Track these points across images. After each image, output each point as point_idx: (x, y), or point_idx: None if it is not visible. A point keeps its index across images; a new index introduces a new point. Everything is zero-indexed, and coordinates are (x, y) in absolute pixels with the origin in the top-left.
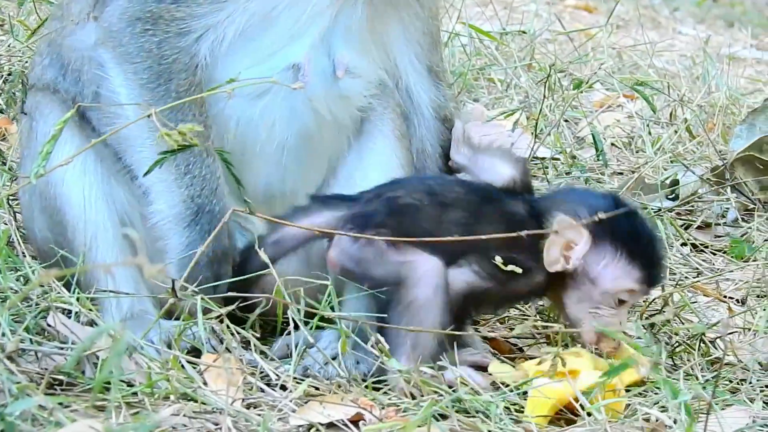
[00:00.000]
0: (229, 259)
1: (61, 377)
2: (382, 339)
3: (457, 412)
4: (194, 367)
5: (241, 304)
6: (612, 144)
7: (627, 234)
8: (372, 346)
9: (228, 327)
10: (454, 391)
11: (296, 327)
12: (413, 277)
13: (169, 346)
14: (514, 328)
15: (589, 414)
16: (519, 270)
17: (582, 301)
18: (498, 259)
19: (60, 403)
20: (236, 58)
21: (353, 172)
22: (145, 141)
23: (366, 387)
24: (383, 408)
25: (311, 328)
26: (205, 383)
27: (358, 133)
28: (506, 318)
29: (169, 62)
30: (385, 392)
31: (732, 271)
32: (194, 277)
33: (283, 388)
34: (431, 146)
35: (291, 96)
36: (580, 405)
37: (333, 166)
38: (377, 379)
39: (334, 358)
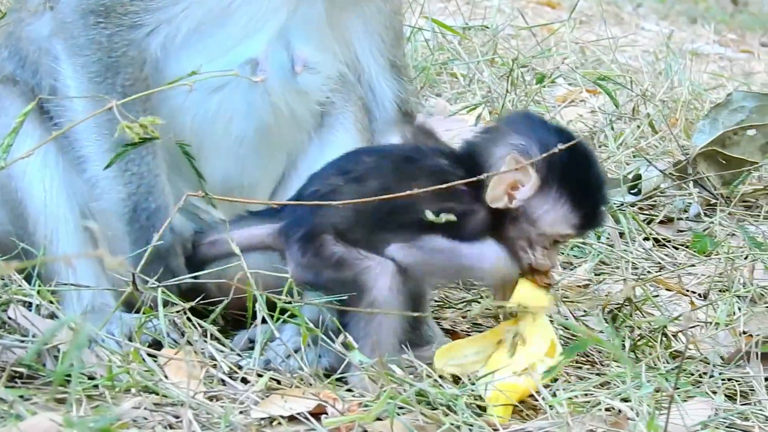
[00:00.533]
0: (177, 250)
1: (21, 370)
2: (346, 333)
3: (420, 404)
4: (155, 360)
5: (202, 301)
6: None
7: (575, 181)
8: (334, 340)
9: (189, 320)
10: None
11: (261, 320)
12: (369, 281)
13: (131, 339)
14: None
15: (551, 407)
16: (453, 218)
17: (517, 238)
18: (428, 214)
19: (21, 396)
20: (190, 53)
21: (314, 166)
22: (90, 135)
23: (329, 382)
24: (345, 402)
25: (275, 321)
26: (166, 376)
27: (320, 127)
28: (467, 311)
29: (118, 56)
30: (348, 389)
31: (694, 266)
32: (145, 273)
33: (245, 381)
34: (393, 141)
35: (249, 91)
36: (542, 398)
37: (293, 159)
38: (340, 375)
39: (296, 351)
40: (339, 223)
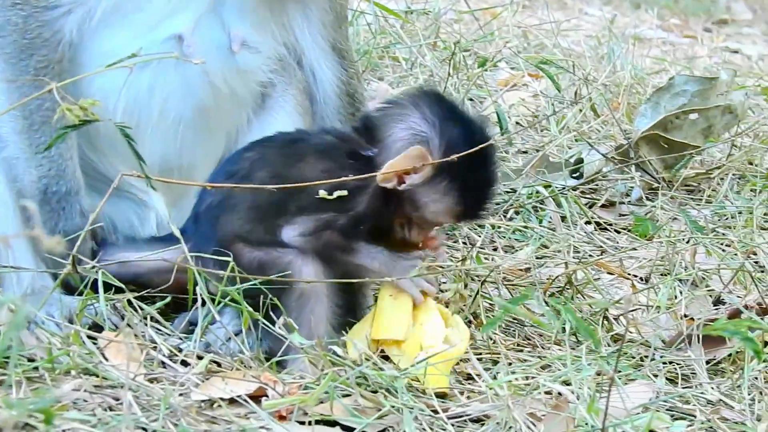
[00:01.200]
0: (86, 236)
1: None
2: (288, 318)
3: (360, 387)
4: (95, 343)
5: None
6: (517, 123)
7: (468, 177)
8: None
9: (130, 303)
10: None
11: (201, 303)
12: (294, 275)
13: (71, 322)
14: None
15: (491, 389)
16: (345, 192)
17: (397, 216)
18: (322, 193)
19: None
20: (111, 32)
21: None
22: (5, 116)
23: (270, 366)
24: (286, 384)
25: (215, 305)
26: (106, 359)
27: (260, 109)
28: None
29: (33, 36)
30: (288, 371)
31: (635, 249)
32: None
33: (185, 363)
34: (332, 124)
35: (184, 69)
36: (483, 381)
37: (233, 140)
38: (280, 358)
39: (236, 335)
40: (240, 229)
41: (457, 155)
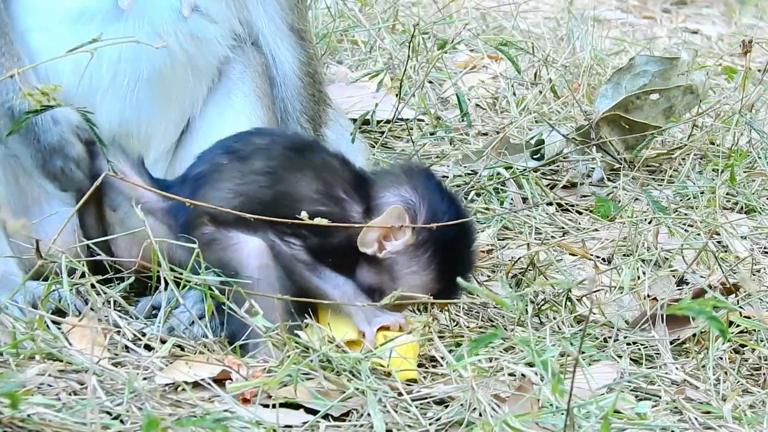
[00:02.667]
0: (71, 139)
1: None
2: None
3: (324, 370)
4: (59, 328)
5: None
6: (477, 105)
7: (448, 255)
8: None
9: (93, 287)
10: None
11: (165, 287)
12: (239, 260)
13: (35, 307)
14: None
15: (455, 371)
16: (325, 222)
17: (374, 284)
18: (303, 214)
19: None
20: None
21: (212, 130)
22: None
23: (233, 350)
24: (249, 368)
25: (180, 288)
26: (70, 343)
27: (219, 92)
28: None
29: None
30: (251, 355)
31: (597, 230)
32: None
33: (149, 348)
34: (292, 106)
35: (133, 30)
36: (446, 363)
37: (193, 117)
38: (245, 341)
39: (200, 319)
40: (218, 206)
41: (437, 225)
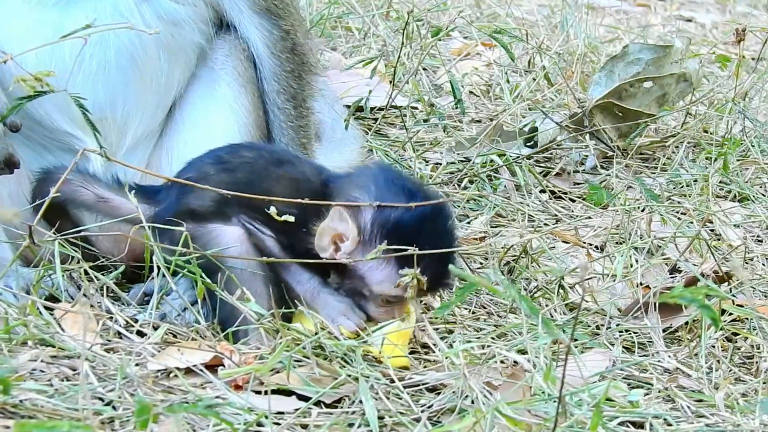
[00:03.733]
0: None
1: None
2: (244, 289)
3: (317, 357)
4: (51, 313)
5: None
6: (470, 92)
7: (402, 242)
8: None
9: (86, 273)
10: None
11: (157, 273)
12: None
13: (28, 293)
14: None
15: (447, 358)
16: (291, 219)
17: (354, 289)
18: (272, 210)
19: None
20: None
21: (197, 121)
22: None
23: (226, 336)
24: (242, 354)
25: (171, 275)
26: (62, 329)
27: (202, 81)
28: None
29: None
30: (244, 342)
31: (590, 218)
32: None
33: (141, 334)
34: (268, 85)
35: (95, 7)
36: (439, 350)
37: (175, 105)
38: (237, 328)
39: (192, 305)
40: (197, 208)
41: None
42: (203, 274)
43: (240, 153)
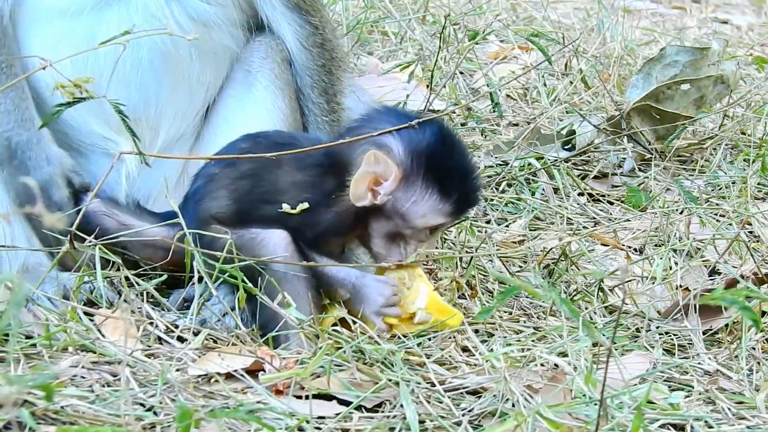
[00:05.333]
0: (59, 182)
1: None
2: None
3: (357, 361)
4: (91, 319)
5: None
6: (507, 95)
7: (439, 169)
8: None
9: (126, 278)
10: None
11: (200, 279)
12: (267, 254)
13: (66, 298)
14: None
15: (487, 361)
16: (306, 205)
17: (391, 233)
18: (285, 207)
19: None
20: None
21: (236, 124)
22: None
23: (266, 341)
24: (282, 359)
25: (213, 280)
26: (102, 335)
27: (239, 84)
28: None
29: None
30: (285, 347)
31: (629, 221)
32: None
33: (181, 339)
34: (301, 81)
35: (127, 11)
36: (479, 353)
37: (212, 109)
38: (277, 333)
39: (232, 310)
40: (218, 211)
41: (412, 124)
42: (246, 279)
43: (237, 146)
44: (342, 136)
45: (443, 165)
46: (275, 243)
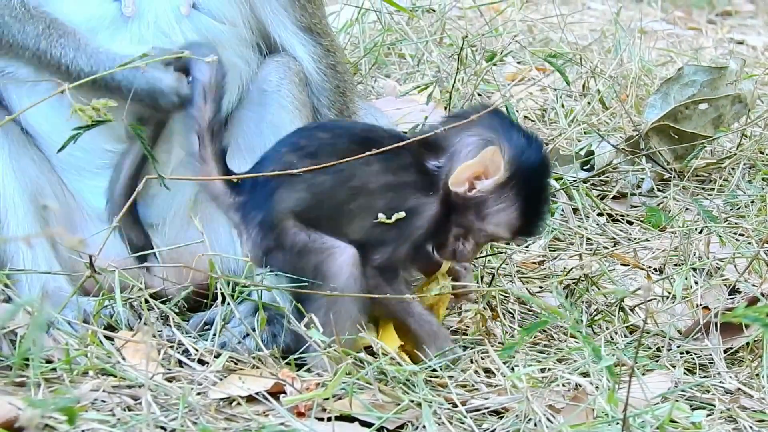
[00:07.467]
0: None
1: None
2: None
3: (379, 383)
4: (112, 343)
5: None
6: (525, 116)
7: (533, 189)
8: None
9: (146, 302)
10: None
11: (222, 301)
12: (332, 269)
13: (86, 322)
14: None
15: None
16: (403, 214)
17: (458, 227)
18: (381, 216)
19: None
20: None
21: (254, 145)
22: None
23: (287, 363)
24: (304, 381)
25: (235, 300)
26: (123, 358)
27: (255, 105)
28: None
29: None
30: (307, 369)
31: (648, 240)
32: None
33: (202, 362)
34: (318, 101)
35: (138, 33)
36: (501, 373)
37: (228, 129)
38: (299, 355)
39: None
40: (296, 207)
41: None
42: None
43: (316, 135)
44: (443, 122)
45: (536, 185)
46: (341, 261)
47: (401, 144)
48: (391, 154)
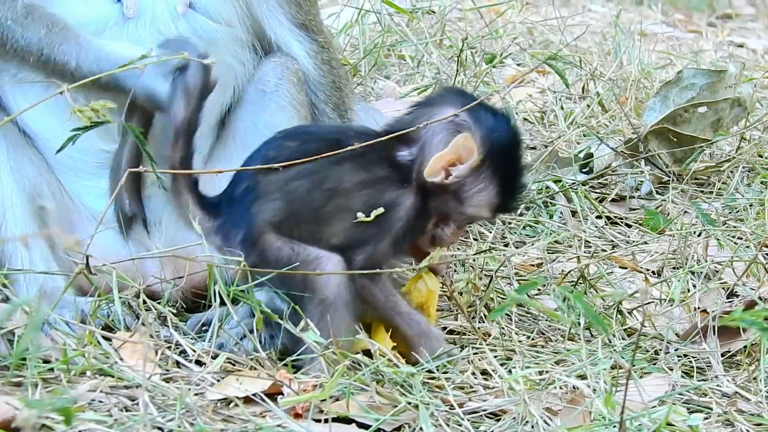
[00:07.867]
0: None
1: None
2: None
3: (377, 384)
4: (110, 343)
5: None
6: (524, 119)
7: (508, 165)
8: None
9: (144, 302)
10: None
11: (218, 302)
12: (320, 279)
13: (83, 323)
14: None
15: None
16: (381, 210)
17: (437, 213)
18: (360, 215)
19: None
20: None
21: (252, 145)
22: None
23: (285, 365)
24: (301, 382)
25: (232, 303)
26: (121, 359)
27: (253, 105)
28: None
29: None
30: (305, 372)
31: (647, 243)
32: None
33: (200, 363)
34: (315, 97)
35: (135, 29)
36: (498, 376)
37: (226, 129)
38: (296, 357)
39: (250, 333)
40: (274, 217)
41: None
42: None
43: (284, 144)
44: (409, 113)
45: (510, 161)
46: (331, 267)
47: (369, 143)
48: (362, 150)
